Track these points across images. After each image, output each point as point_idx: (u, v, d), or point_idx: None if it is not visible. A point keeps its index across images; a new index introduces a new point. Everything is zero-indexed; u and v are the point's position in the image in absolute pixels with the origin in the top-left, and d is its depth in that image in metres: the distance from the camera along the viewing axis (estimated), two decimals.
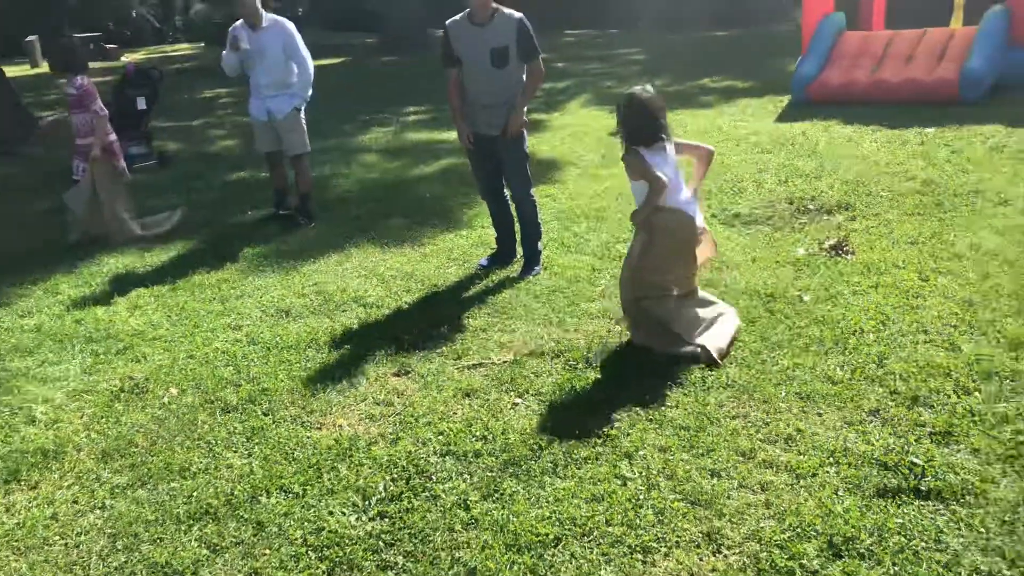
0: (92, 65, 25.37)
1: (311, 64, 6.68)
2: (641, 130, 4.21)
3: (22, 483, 3.44)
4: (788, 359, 4.06)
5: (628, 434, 3.49)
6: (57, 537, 3.07)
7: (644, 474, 3.23)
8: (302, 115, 6.74)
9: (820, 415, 3.57)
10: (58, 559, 2.95)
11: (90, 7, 33.79)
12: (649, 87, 4.35)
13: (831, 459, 3.25)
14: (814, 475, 3.16)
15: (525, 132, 5.39)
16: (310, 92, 6.72)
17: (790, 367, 3.98)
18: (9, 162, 10.22)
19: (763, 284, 4.97)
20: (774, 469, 3.21)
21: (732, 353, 4.16)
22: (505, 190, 5.59)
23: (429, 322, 4.82)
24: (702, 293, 4.52)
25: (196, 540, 3.00)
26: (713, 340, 4.16)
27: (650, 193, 4.15)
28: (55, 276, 5.91)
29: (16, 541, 3.06)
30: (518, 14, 5.17)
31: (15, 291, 5.65)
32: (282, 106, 6.63)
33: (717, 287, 4.97)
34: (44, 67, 24.55)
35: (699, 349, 4.10)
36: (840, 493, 3.04)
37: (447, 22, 5.31)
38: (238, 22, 6.56)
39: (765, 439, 3.41)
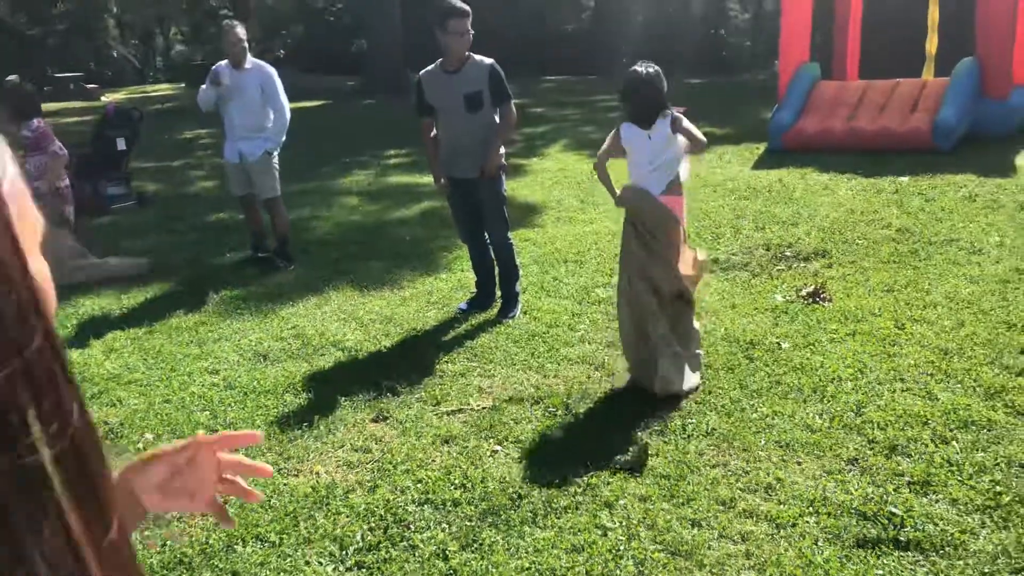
0: (74, 105, 25.42)
1: (288, 111, 6.69)
2: (627, 108, 4.41)
3: None
4: (767, 407, 4.07)
5: (608, 483, 3.48)
6: None
7: (624, 524, 3.21)
8: (275, 159, 6.74)
9: (799, 464, 3.58)
10: None
11: (71, 47, 33.89)
12: (651, 67, 4.37)
13: (811, 508, 3.25)
14: (794, 525, 3.15)
15: (503, 175, 5.44)
16: (283, 138, 6.72)
17: (769, 415, 4.00)
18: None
19: (742, 331, 5.00)
20: (754, 519, 3.21)
21: (712, 400, 4.17)
22: (484, 234, 5.61)
23: (408, 367, 4.80)
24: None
25: None
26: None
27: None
28: None
29: None
30: (489, 60, 5.26)
31: None
32: (254, 149, 6.64)
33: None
34: None
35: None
36: (820, 543, 3.04)
37: (420, 73, 5.38)
38: (223, 61, 6.60)
39: (745, 488, 3.41)
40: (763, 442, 3.75)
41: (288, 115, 6.68)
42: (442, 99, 5.28)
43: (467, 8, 5.12)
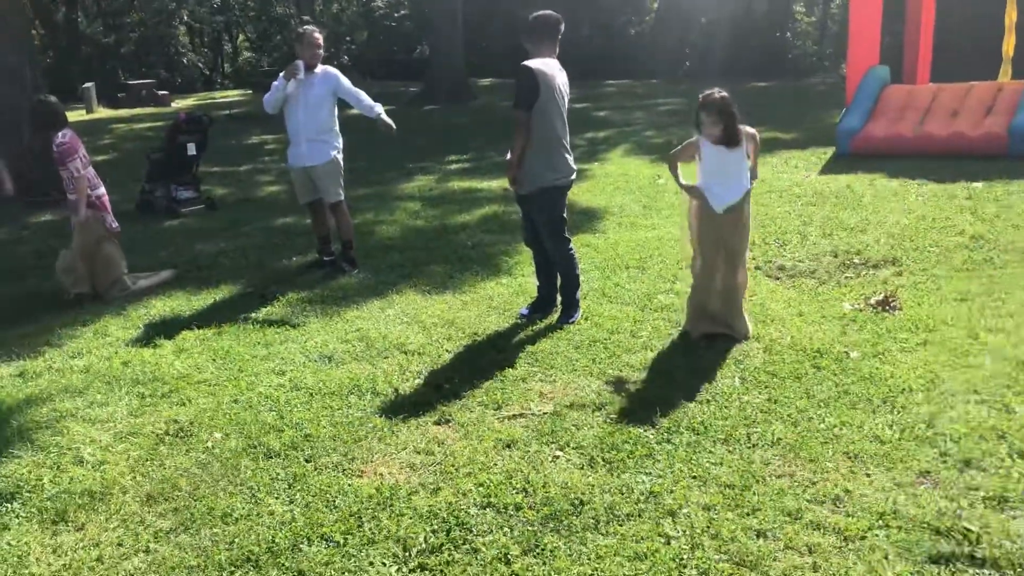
0: (146, 111, 26.11)
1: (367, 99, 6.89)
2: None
3: (69, 524, 3.47)
4: (835, 417, 3.99)
5: (672, 491, 3.45)
6: None
7: (688, 533, 3.18)
8: (340, 162, 6.82)
9: (868, 476, 3.50)
10: None
11: (143, 55, 34.88)
12: (719, 91, 4.90)
13: (880, 522, 3.17)
14: (863, 538, 3.08)
15: (546, 189, 5.32)
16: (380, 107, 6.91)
17: (837, 425, 3.92)
18: (63, 208, 10.47)
19: (809, 339, 4.91)
20: (821, 531, 3.15)
21: (778, 410, 4.10)
22: None
23: (469, 370, 4.82)
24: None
25: None
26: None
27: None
28: (105, 318, 6.03)
29: None
30: (524, 62, 5.19)
31: (66, 332, 5.77)
32: (320, 154, 6.73)
33: (762, 342, 4.92)
34: (100, 112, 25.33)
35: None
36: (891, 558, 2.97)
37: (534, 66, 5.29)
38: (299, 61, 6.68)
39: (812, 499, 3.35)
40: (831, 453, 3.68)
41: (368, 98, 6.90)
42: (557, 96, 5.31)
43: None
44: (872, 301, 5.45)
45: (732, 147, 4.89)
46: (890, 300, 5.41)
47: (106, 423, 4.38)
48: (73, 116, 20.72)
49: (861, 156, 10.13)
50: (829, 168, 9.93)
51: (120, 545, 3.31)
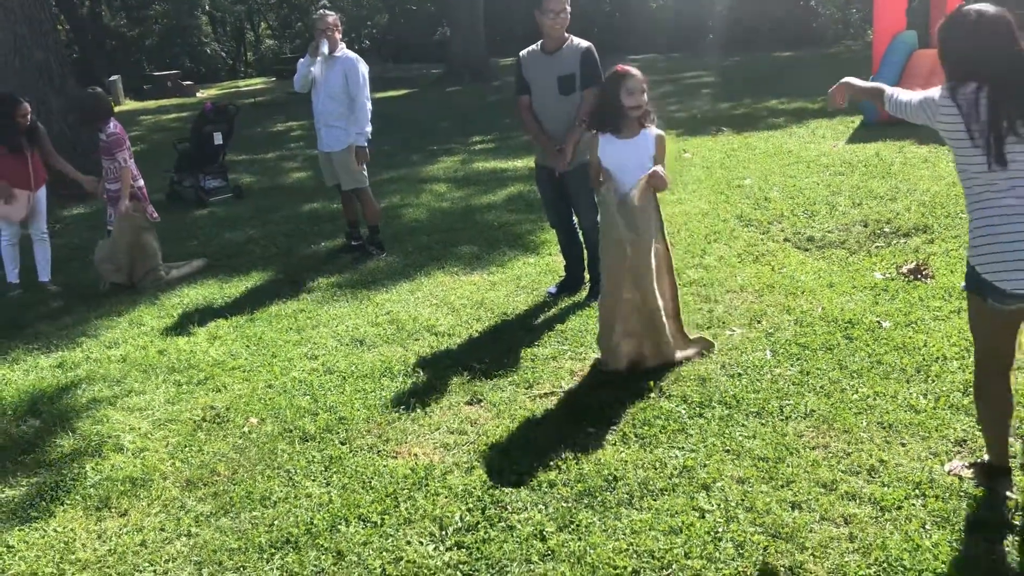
0: (172, 102, 26.32)
1: (367, 102, 6.64)
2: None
3: (112, 510, 3.55)
4: (868, 387, 3.97)
5: (705, 465, 3.45)
6: (146, 564, 3.16)
7: (723, 506, 3.18)
8: (366, 149, 6.78)
9: (904, 445, 3.48)
10: None
11: (167, 46, 35.11)
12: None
13: (917, 491, 3.15)
14: (899, 508, 3.07)
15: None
16: (369, 128, 6.69)
17: (871, 395, 3.89)
18: (94, 200, 10.61)
19: (840, 310, 4.87)
20: (857, 501, 3.14)
21: (810, 382, 4.08)
22: (573, 218, 5.60)
23: (500, 350, 4.84)
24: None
25: (278, 569, 3.06)
26: None
27: None
28: (140, 308, 6.12)
29: (108, 568, 3.16)
30: (586, 43, 5.24)
31: (104, 323, 5.86)
32: (337, 141, 6.73)
33: (793, 314, 4.89)
34: (127, 104, 25.55)
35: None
36: (928, 527, 2.95)
37: (521, 52, 5.41)
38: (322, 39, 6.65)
39: (847, 470, 3.34)
40: (865, 423, 3.66)
41: (367, 107, 6.65)
42: (537, 79, 5.29)
43: None
44: (904, 270, 5.39)
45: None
46: (922, 268, 5.35)
47: (144, 411, 4.46)
48: None
49: (889, 124, 9.97)
50: (857, 137, 9.79)
51: (162, 530, 3.38)
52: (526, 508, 3.29)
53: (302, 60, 6.73)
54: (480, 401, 4.25)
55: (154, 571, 3.12)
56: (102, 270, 6.67)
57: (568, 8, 5.15)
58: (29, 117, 6.59)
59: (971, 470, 3.21)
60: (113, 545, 3.29)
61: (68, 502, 3.63)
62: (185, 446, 4.03)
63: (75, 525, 3.46)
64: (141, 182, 6.77)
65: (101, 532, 3.40)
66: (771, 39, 24.91)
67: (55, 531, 3.43)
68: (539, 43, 5.32)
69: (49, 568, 3.18)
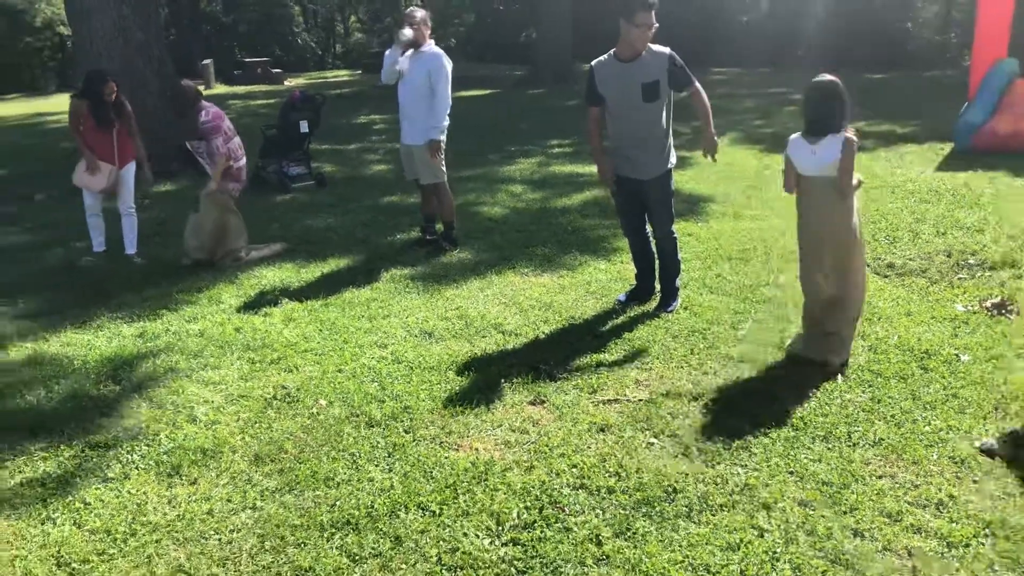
0: (261, 88, 26.93)
1: (446, 100, 6.69)
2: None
3: (183, 478, 3.68)
4: (941, 420, 3.87)
5: (767, 485, 3.42)
6: (212, 532, 3.27)
7: (783, 527, 3.15)
8: (442, 145, 6.85)
9: (975, 482, 3.39)
10: (212, 553, 3.14)
11: (259, 35, 36.00)
12: (827, 76, 4.43)
13: (987, 530, 3.07)
14: (967, 545, 3.00)
15: (671, 170, 5.38)
16: (445, 123, 6.74)
17: (943, 429, 3.80)
18: (185, 173, 10.96)
19: (917, 340, 4.76)
20: (923, 535, 3.07)
21: (881, 410, 4.01)
22: (647, 227, 5.58)
23: (565, 353, 4.86)
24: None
25: (338, 548, 3.13)
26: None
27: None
28: (219, 286, 6.31)
29: (176, 532, 3.28)
30: (667, 49, 5.17)
31: (184, 297, 6.06)
32: (417, 135, 6.80)
33: (868, 340, 4.80)
34: (217, 88, 26.29)
35: None
36: (996, 568, 2.88)
37: (593, 63, 5.36)
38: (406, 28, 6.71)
39: (914, 502, 3.27)
40: (935, 456, 3.58)
41: (446, 101, 6.70)
42: (615, 89, 5.25)
43: (655, 1, 5.07)
44: (987, 304, 5.24)
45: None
46: (1007, 304, 5.19)
47: (218, 385, 4.60)
48: None
49: (982, 153, 9.69)
50: (947, 165, 9.53)
51: (229, 501, 3.48)
52: (584, 511, 3.30)
53: (388, 51, 6.83)
54: (543, 402, 4.27)
55: (219, 540, 3.22)
56: (187, 244, 6.92)
57: (656, 23, 5.11)
58: (116, 94, 6.87)
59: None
60: (182, 511, 3.42)
61: (142, 466, 3.78)
62: (255, 422, 4.15)
63: (148, 489, 3.60)
64: (242, 162, 7.05)
65: (171, 498, 3.52)
66: (864, 59, 24.35)
67: (129, 492, 3.57)
68: (612, 52, 5.25)
69: (122, 527, 3.31)
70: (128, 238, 7.16)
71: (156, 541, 3.22)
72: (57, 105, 23.92)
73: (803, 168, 4.45)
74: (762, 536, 3.11)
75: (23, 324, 5.64)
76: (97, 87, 6.79)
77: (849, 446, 3.70)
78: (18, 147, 15.29)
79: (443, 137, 6.79)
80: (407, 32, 6.61)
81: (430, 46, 6.76)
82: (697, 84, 5.24)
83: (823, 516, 3.21)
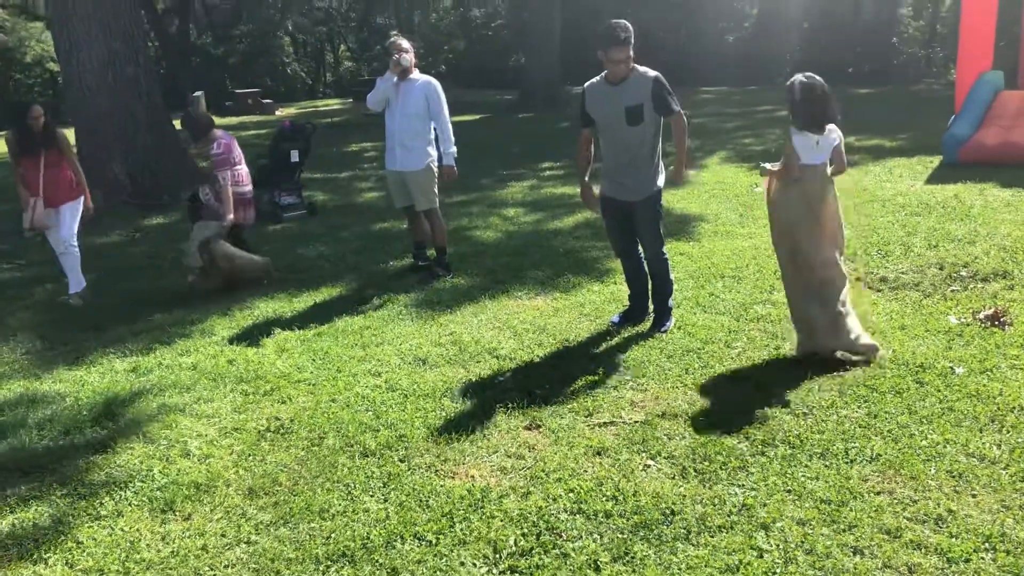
0: (252, 119, 26.97)
1: (450, 123, 6.80)
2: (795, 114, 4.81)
3: (177, 513, 3.64)
4: (939, 434, 3.86)
5: (765, 504, 3.40)
6: (207, 568, 3.23)
7: (782, 547, 3.12)
8: (434, 170, 6.87)
9: (974, 496, 3.37)
10: None
11: (249, 65, 36.13)
12: (811, 75, 4.80)
13: (986, 544, 3.05)
14: (967, 560, 2.98)
15: (660, 192, 5.40)
16: (454, 149, 6.83)
17: (940, 443, 3.79)
18: (175, 207, 10.96)
19: (912, 353, 4.75)
20: (923, 551, 3.05)
21: (878, 425, 3.99)
22: (639, 248, 5.59)
23: (560, 377, 4.85)
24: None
25: None
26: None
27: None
28: (211, 318, 6.29)
29: (170, 569, 3.24)
30: (653, 73, 5.20)
31: (176, 330, 6.04)
32: (412, 160, 6.80)
33: (866, 354, 4.79)
34: None
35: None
36: None
37: (585, 84, 5.43)
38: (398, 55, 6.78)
39: (913, 518, 3.25)
40: (933, 471, 3.56)
41: (450, 126, 6.81)
42: (603, 111, 5.30)
43: (628, 36, 5.09)
44: (981, 316, 5.24)
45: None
46: (1000, 315, 5.19)
47: (211, 418, 4.58)
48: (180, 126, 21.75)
49: (970, 165, 9.73)
50: (936, 177, 9.57)
51: (223, 536, 3.45)
52: (581, 536, 3.27)
53: (381, 78, 6.87)
54: (539, 427, 4.25)
55: (213, 575, 3.19)
56: (191, 271, 6.96)
57: (631, 54, 5.15)
58: (44, 121, 6.63)
59: None
60: (176, 547, 3.38)
61: (135, 503, 3.74)
62: (249, 455, 4.12)
63: (141, 526, 3.56)
64: (247, 188, 7.22)
65: (165, 534, 3.49)
66: (851, 75, 24.54)
67: (122, 530, 3.53)
68: (603, 74, 5.31)
69: (115, 566, 3.27)
70: (70, 276, 6.91)
71: None
72: None
73: (807, 158, 4.73)
74: (761, 556, 3.08)
75: (16, 361, 5.61)
76: (22, 114, 6.66)
77: (847, 463, 3.68)
78: (6, 183, 15.29)
79: (450, 163, 6.89)
80: (407, 57, 6.67)
81: (417, 73, 6.81)
82: (678, 111, 5.25)
83: (822, 534, 3.18)
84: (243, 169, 7.16)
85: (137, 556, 3.33)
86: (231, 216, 6.93)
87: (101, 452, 4.25)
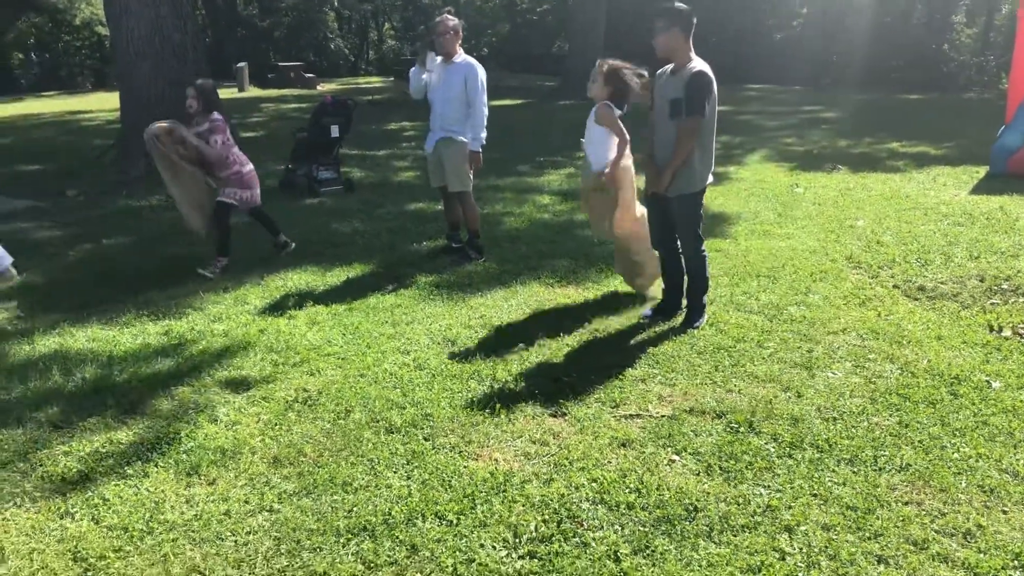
0: (293, 92, 27.12)
1: (484, 108, 6.73)
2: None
3: (201, 478, 3.68)
4: (971, 447, 3.79)
5: (790, 507, 3.36)
6: (229, 533, 3.26)
7: (805, 551, 3.09)
8: (480, 154, 6.85)
9: (1005, 512, 3.31)
10: (228, 554, 3.13)
11: (293, 39, 36.31)
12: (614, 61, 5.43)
13: (1016, 562, 3.00)
14: None
15: (701, 192, 5.31)
16: (484, 134, 6.79)
17: (972, 456, 3.72)
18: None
19: (947, 365, 4.68)
20: (949, 564, 3.00)
21: (909, 435, 3.93)
22: (677, 243, 5.53)
23: (588, 366, 4.82)
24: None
25: (353, 555, 3.11)
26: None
27: (619, 144, 5.46)
28: (245, 287, 6.34)
29: (193, 532, 3.27)
30: (699, 67, 5.05)
31: (211, 298, 6.09)
32: (450, 143, 6.82)
33: (896, 363, 4.72)
34: (250, 91, 26.53)
35: None
36: None
37: (659, 70, 5.36)
38: (438, 57, 6.83)
39: (941, 531, 3.20)
40: (964, 484, 3.50)
41: (483, 112, 6.74)
42: (657, 99, 5.25)
43: (665, 23, 5.00)
44: (1021, 330, 5.14)
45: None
46: None
47: (240, 386, 4.61)
48: (225, 94, 21.84)
49: (1018, 177, 9.54)
50: (981, 188, 9.40)
51: (247, 502, 3.48)
52: (602, 527, 3.26)
53: (414, 69, 6.89)
54: (564, 414, 4.23)
55: (235, 541, 3.21)
56: (188, 220, 6.89)
57: (674, 44, 5.05)
58: None
59: None
60: (200, 511, 3.41)
61: (161, 464, 3.78)
62: (275, 424, 4.15)
63: (166, 487, 3.60)
64: (248, 168, 6.88)
65: (189, 497, 3.52)
66: (900, 80, 24.15)
67: (147, 490, 3.57)
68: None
69: (139, 525, 3.31)
70: None
71: (172, 540, 3.22)
72: (93, 103, 24.27)
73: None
74: (783, 559, 3.05)
75: (51, 319, 5.69)
76: None
77: (875, 470, 3.63)
78: (53, 144, 15.51)
79: (481, 148, 6.80)
80: (430, 67, 6.75)
81: (462, 55, 6.78)
82: (691, 119, 5.03)
83: (847, 541, 3.14)
84: (238, 150, 6.89)
85: (161, 517, 3.37)
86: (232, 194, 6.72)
87: (129, 412, 4.30)
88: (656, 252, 5.69)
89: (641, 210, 5.67)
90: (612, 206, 5.56)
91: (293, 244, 7.29)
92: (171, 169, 6.69)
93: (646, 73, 5.41)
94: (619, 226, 5.64)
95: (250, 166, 6.93)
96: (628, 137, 5.46)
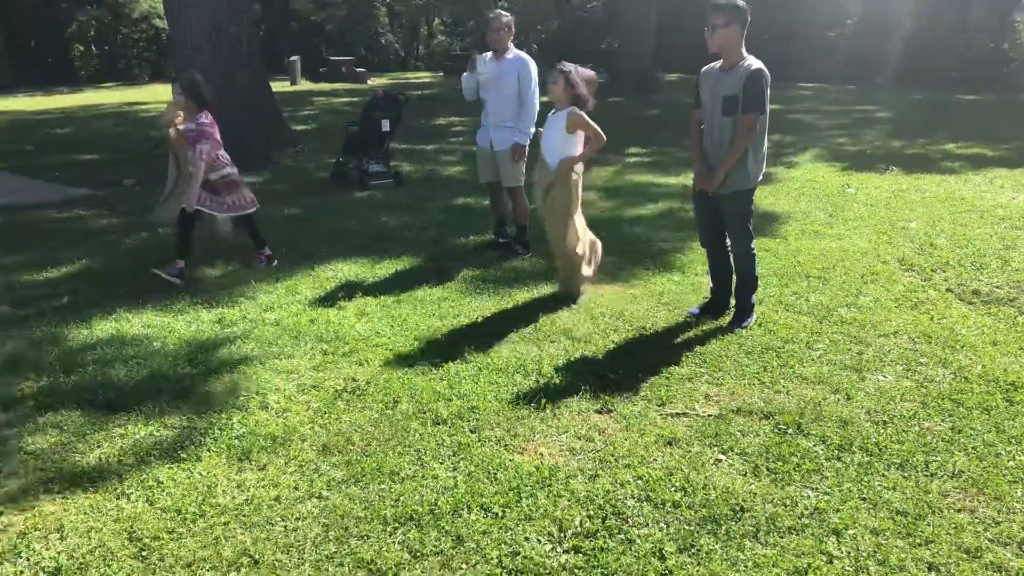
0: (344, 86, 27.34)
1: (536, 104, 6.75)
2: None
3: (252, 463, 3.75)
4: None
5: (838, 510, 3.32)
6: (278, 519, 3.32)
7: (853, 555, 3.06)
8: (525, 148, 6.85)
9: None
10: (278, 539, 3.19)
11: (345, 34, 36.64)
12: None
13: None
14: None
15: (752, 189, 5.27)
16: (532, 129, 6.78)
17: None
18: (271, 170, 11.24)
19: (1003, 371, 4.58)
20: (1003, 574, 2.95)
21: (962, 441, 3.86)
22: (727, 241, 5.49)
23: (634, 363, 4.81)
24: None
25: (400, 543, 3.15)
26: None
27: (593, 143, 5.90)
28: (296, 277, 6.43)
29: (243, 516, 3.34)
30: (757, 65, 5.01)
31: (262, 287, 6.20)
32: (504, 139, 6.82)
33: (950, 368, 4.64)
34: (302, 85, 26.83)
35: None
36: None
37: (704, 68, 5.33)
38: (488, 53, 6.87)
39: (994, 539, 3.14)
40: (1019, 493, 3.43)
41: (535, 107, 6.76)
42: (708, 96, 5.20)
43: (715, 22, 4.94)
44: None
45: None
46: None
47: (291, 374, 4.69)
48: (277, 87, 22.14)
49: None
50: None
51: (296, 488, 3.54)
52: (648, 524, 3.26)
53: (465, 75, 6.95)
54: (610, 411, 4.24)
55: (285, 526, 3.27)
56: (163, 208, 6.79)
57: (726, 42, 4.99)
58: None
59: None
60: (250, 495, 3.48)
61: (213, 449, 3.86)
62: (325, 412, 4.21)
63: (218, 472, 3.67)
64: (229, 171, 6.52)
65: (240, 482, 3.59)
66: (957, 80, 23.63)
67: (200, 474, 3.65)
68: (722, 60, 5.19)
69: (192, 508, 3.39)
70: None
71: (224, 523, 3.29)
72: (150, 95, 24.76)
73: None
74: (831, 562, 3.02)
75: (109, 304, 5.83)
76: None
77: (927, 476, 3.58)
78: (111, 134, 15.87)
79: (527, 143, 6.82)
80: (480, 69, 6.79)
81: (513, 51, 6.80)
82: (751, 116, 4.99)
83: (896, 546, 3.10)
84: (223, 152, 6.52)
85: (213, 500, 3.45)
86: (195, 198, 6.27)
87: (183, 397, 4.39)
88: (586, 255, 5.92)
89: (581, 222, 5.94)
90: (564, 212, 5.78)
91: (276, 262, 6.91)
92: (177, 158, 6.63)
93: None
94: (570, 241, 5.82)
95: (235, 169, 6.59)
96: (605, 138, 5.92)
